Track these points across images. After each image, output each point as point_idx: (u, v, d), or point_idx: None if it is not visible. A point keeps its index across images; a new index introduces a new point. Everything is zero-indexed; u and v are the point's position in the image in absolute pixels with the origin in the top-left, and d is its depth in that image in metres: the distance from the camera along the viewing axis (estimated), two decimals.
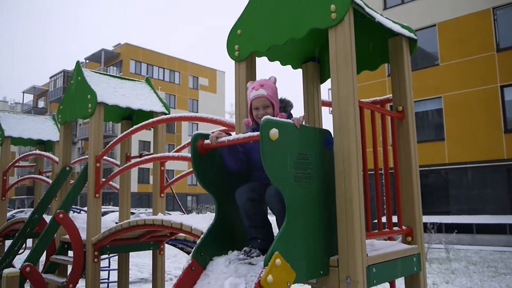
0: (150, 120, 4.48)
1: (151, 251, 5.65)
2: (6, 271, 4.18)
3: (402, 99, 3.07)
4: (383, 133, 3.10)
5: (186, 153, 4.76)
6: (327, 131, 2.58)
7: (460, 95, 18.35)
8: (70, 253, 5.08)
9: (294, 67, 3.53)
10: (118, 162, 6.18)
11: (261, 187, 2.48)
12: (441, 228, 16.26)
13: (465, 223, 16.64)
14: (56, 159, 6.23)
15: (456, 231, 15.51)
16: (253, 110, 2.68)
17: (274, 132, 2.14)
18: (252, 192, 2.47)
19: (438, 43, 19.21)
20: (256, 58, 3.14)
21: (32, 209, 5.76)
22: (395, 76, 3.12)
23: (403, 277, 2.94)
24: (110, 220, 6.02)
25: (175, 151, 5.48)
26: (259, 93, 2.64)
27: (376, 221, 2.87)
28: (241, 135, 2.48)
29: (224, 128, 3.93)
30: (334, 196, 2.38)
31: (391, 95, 3.23)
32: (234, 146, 2.58)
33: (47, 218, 5.68)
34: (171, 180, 5.62)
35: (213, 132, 2.56)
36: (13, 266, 5.39)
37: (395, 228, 2.91)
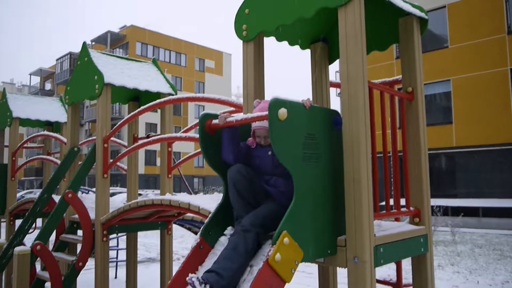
0: (158, 101, 4.47)
1: (158, 232, 5.72)
2: (17, 249, 4.25)
3: (411, 80, 3.04)
4: (392, 114, 3.07)
5: (193, 134, 4.77)
6: (336, 112, 2.56)
7: (469, 78, 18.13)
8: (79, 232, 5.16)
9: (302, 48, 3.50)
10: (126, 143, 6.21)
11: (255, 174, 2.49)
12: (447, 211, 16.28)
13: (471, 206, 16.63)
14: (64, 140, 6.27)
15: (462, 214, 15.51)
16: (256, 137, 2.59)
17: (282, 112, 2.13)
18: (246, 170, 2.46)
19: (448, 25, 18.90)
20: (264, 38, 3.11)
21: (41, 189, 5.82)
22: (405, 57, 3.08)
23: (410, 258, 2.96)
24: (119, 200, 6.07)
25: (183, 132, 5.49)
26: (261, 124, 2.51)
27: (383, 203, 2.87)
28: (249, 115, 2.47)
29: (232, 109, 3.92)
30: (342, 176, 2.38)
31: (400, 76, 3.20)
32: (236, 140, 2.55)
33: (56, 198, 5.75)
34: (179, 161, 5.65)
35: (223, 113, 2.56)
36: (24, 245, 5.48)
37: (403, 209, 2.91)
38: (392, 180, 2.97)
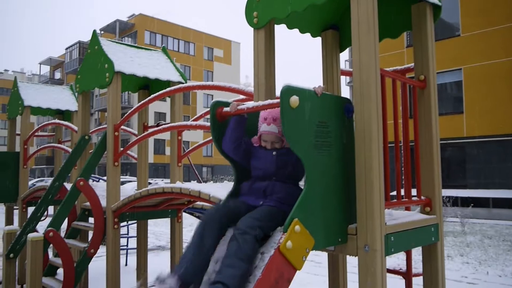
0: (168, 89, 4.47)
1: (168, 221, 5.76)
2: (30, 235, 4.31)
3: (424, 67, 3.00)
4: (404, 103, 3.04)
5: (203, 122, 4.76)
6: (348, 100, 2.55)
7: (481, 67, 17.87)
8: (91, 220, 5.22)
9: (313, 35, 3.46)
10: (136, 132, 6.24)
11: (242, 209, 2.37)
12: (456, 202, 16.19)
13: (481, 197, 16.51)
14: (75, 128, 6.31)
15: (472, 204, 15.41)
16: (262, 141, 2.56)
17: (294, 100, 2.12)
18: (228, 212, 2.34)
19: (460, 12, 18.59)
20: (275, 26, 3.09)
21: (52, 178, 5.88)
22: (417, 44, 3.04)
23: (419, 248, 2.95)
24: (129, 189, 6.12)
25: (193, 120, 5.49)
26: (270, 129, 2.50)
27: (394, 193, 2.86)
28: (260, 103, 2.46)
29: (242, 97, 3.91)
30: (354, 164, 2.37)
31: (412, 64, 3.16)
32: (241, 130, 2.51)
33: (68, 186, 5.82)
34: (188, 150, 5.66)
35: (235, 101, 2.56)
36: (37, 231, 5.56)
37: (414, 199, 2.90)
38: (403, 170, 2.95)
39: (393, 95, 3.03)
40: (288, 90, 2.12)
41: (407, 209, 3.28)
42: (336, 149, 2.36)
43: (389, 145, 2.66)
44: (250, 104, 2.55)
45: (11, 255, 5.01)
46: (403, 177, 2.95)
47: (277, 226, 2.19)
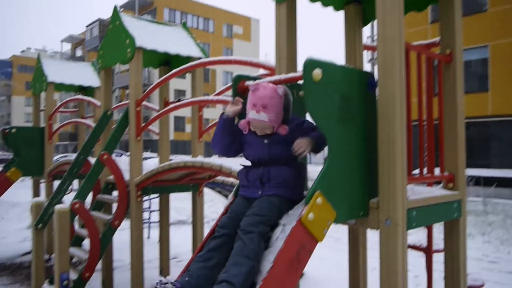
0: (189, 64, 4.49)
1: (189, 196, 5.86)
2: (57, 207, 4.46)
3: (450, 41, 2.93)
4: (428, 78, 2.98)
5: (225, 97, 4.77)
6: (371, 74, 2.51)
7: (508, 44, 17.26)
8: (114, 193, 5.35)
9: (336, 8, 3.39)
10: (157, 107, 6.30)
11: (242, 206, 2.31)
12: (479, 181, 15.94)
13: (505, 176, 16.20)
14: (98, 103, 6.41)
15: (495, 184, 15.15)
16: (251, 127, 2.39)
17: (317, 73, 2.10)
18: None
19: None
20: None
21: (75, 154, 6.02)
22: (444, 17, 2.95)
23: (440, 225, 2.94)
24: (151, 164, 6.22)
25: (214, 96, 5.51)
26: (260, 118, 2.30)
27: (417, 171, 2.83)
28: (283, 76, 2.45)
29: (265, 72, 3.90)
30: (376, 138, 2.36)
31: (437, 38, 3.09)
32: (231, 134, 2.43)
33: (92, 161, 5.95)
34: (209, 125, 5.71)
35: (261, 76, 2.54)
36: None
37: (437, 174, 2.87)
38: (426, 146, 2.92)
39: (418, 69, 2.97)
40: (311, 63, 2.11)
41: (429, 185, 3.26)
42: (359, 122, 2.34)
43: (413, 123, 2.62)
44: (272, 78, 2.55)
45: (40, 225, 5.19)
46: (425, 154, 2.92)
47: (282, 213, 2.19)
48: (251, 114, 2.32)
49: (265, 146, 2.40)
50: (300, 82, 2.59)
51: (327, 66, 2.17)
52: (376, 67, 2.53)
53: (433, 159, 2.89)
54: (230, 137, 2.46)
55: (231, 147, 2.49)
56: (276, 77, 2.47)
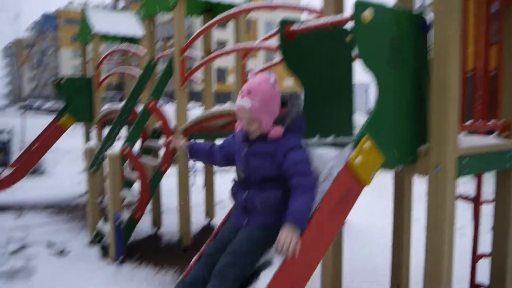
0: (232, 10, 4.40)
1: None
2: (108, 152, 4.67)
3: None
4: (486, 23, 2.78)
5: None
6: (423, 16, 2.38)
7: None
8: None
9: None
10: (201, 55, 6.30)
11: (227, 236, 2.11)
12: None
13: None
14: (142, 53, 6.48)
15: None
16: (241, 123, 2.11)
17: (368, 14, 2.01)
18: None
19: None
20: None
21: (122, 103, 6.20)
22: None
23: (492, 173, 2.85)
24: (196, 113, 6.33)
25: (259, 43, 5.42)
26: (242, 103, 1.99)
27: (471, 121, 2.70)
28: (330, 18, 2.36)
29: (306, 18, 3.77)
30: (427, 83, 2.27)
31: None
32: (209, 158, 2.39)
33: (138, 110, 6.10)
34: (253, 71, 5.67)
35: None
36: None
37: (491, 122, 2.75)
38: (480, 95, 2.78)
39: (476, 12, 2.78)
40: (362, 4, 2.02)
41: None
42: (409, 66, 2.25)
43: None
44: (319, 20, 2.45)
45: (93, 169, 5.48)
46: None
47: (269, 244, 1.98)
48: (237, 100, 2.05)
49: (243, 159, 2.10)
50: (347, 26, 2.49)
51: (378, 7, 2.08)
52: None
53: (487, 110, 2.76)
54: (205, 159, 2.47)
55: (219, 164, 2.40)
56: (323, 20, 2.38)
